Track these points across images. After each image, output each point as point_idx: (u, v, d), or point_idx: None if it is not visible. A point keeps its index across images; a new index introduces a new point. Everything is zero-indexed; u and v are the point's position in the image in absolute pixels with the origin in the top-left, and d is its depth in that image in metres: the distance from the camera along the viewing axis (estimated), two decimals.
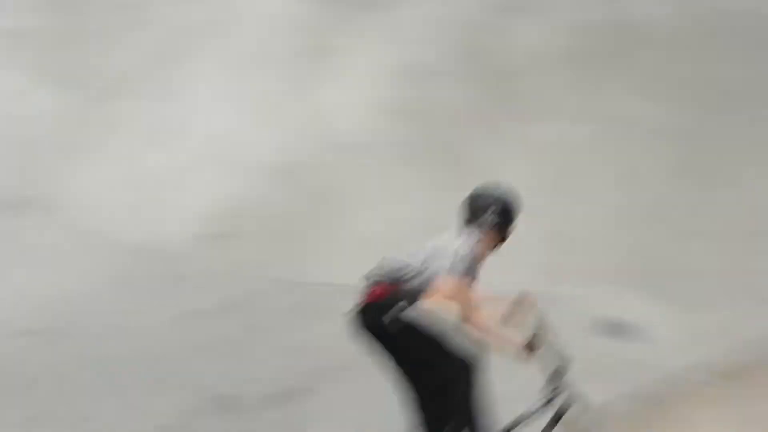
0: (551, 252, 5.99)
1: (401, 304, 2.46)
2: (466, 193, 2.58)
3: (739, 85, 6.45)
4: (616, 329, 5.23)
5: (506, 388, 2.80)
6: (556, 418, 2.61)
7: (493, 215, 2.60)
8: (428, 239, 2.58)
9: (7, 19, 7.75)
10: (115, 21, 7.77)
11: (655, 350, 4.78)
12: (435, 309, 2.42)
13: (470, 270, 2.43)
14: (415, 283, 2.48)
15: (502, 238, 2.65)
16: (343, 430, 3.55)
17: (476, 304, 2.42)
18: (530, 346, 2.46)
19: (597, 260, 5.98)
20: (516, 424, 2.63)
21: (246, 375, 4.17)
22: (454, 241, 2.52)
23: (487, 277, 2.58)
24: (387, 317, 2.45)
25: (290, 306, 5.04)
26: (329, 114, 6.69)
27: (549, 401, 2.61)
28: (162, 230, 5.79)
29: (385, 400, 2.87)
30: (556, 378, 2.59)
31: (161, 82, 7.23)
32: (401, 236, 6.24)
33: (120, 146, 6.64)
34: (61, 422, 3.72)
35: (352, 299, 2.52)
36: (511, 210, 2.66)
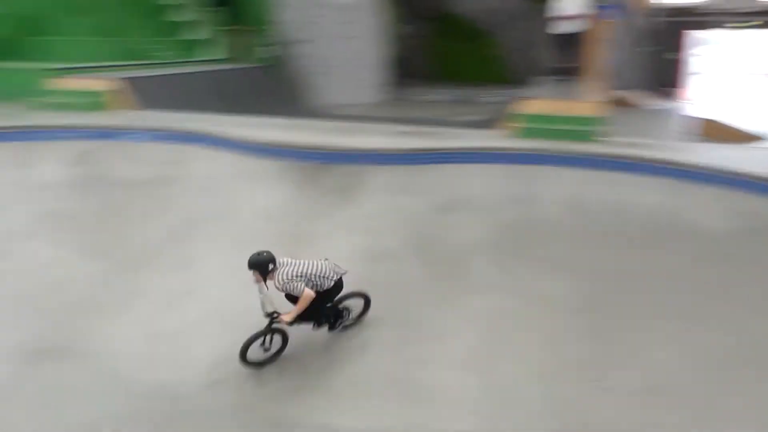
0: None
1: None
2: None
3: (629, 266, 8.13)
4: None
5: None
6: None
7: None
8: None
9: (51, 203, 9.33)
10: (139, 206, 9.43)
11: None
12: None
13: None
14: None
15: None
16: None
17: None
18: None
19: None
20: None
21: None
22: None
23: None
24: None
25: None
26: None
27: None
28: (175, 376, 6.96)
29: None
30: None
31: (175, 257, 8.76)
32: None
33: (141, 308, 7.96)
34: None
35: None
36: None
